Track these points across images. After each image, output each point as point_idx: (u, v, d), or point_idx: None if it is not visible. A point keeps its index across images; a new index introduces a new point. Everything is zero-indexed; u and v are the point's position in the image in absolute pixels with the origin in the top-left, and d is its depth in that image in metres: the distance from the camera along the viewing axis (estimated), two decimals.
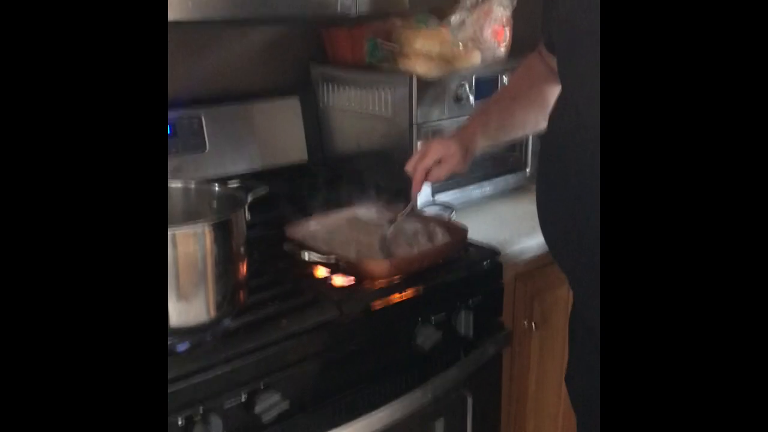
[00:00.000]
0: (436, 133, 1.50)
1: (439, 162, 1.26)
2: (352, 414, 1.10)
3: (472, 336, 1.25)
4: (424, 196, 1.53)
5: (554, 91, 1.28)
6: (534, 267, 1.48)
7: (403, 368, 1.18)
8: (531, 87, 1.32)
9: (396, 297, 1.18)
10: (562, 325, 1.49)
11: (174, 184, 1.17)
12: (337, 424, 1.08)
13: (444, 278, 1.24)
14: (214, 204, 1.14)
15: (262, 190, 1.15)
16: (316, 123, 1.66)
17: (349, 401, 1.11)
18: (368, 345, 1.13)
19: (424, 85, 1.48)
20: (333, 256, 1.20)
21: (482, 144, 1.30)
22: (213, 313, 1.01)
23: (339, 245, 1.28)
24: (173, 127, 1.44)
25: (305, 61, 1.69)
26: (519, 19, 1.62)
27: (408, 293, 1.19)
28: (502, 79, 1.58)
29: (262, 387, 0.99)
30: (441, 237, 1.32)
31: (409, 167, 1.28)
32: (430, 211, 1.48)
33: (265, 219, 1.39)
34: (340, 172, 1.61)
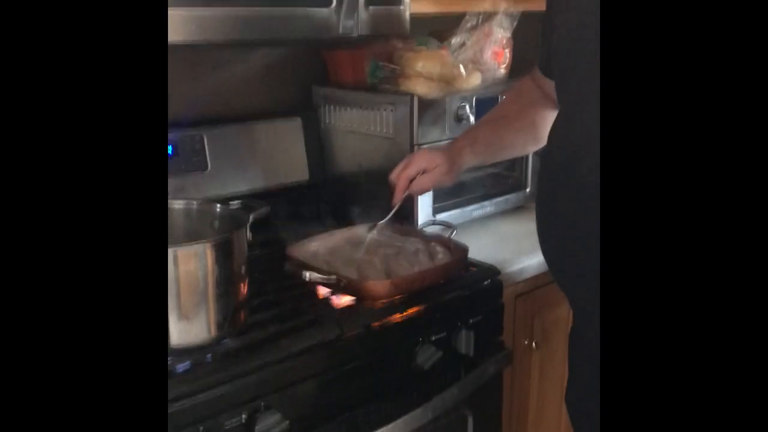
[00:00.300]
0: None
1: (423, 172, 1.27)
2: None
3: (472, 355, 1.25)
4: (424, 215, 1.54)
5: (544, 116, 1.30)
6: (534, 286, 1.49)
7: (404, 388, 1.18)
8: (521, 111, 1.33)
9: (396, 316, 1.18)
10: (563, 345, 1.49)
11: (176, 204, 1.18)
12: None
13: (444, 297, 1.25)
14: (216, 224, 1.15)
15: (263, 210, 1.15)
16: (317, 143, 1.67)
17: (350, 421, 1.11)
18: (369, 364, 1.13)
19: (425, 105, 1.49)
20: (334, 276, 1.20)
21: (469, 160, 1.31)
22: (214, 332, 1.02)
23: (340, 265, 1.29)
24: (175, 146, 1.45)
25: (307, 81, 1.71)
26: (519, 41, 1.64)
27: (408, 313, 1.19)
28: (502, 99, 1.60)
29: (262, 407, 0.99)
30: (442, 256, 1.32)
31: (392, 176, 1.30)
32: (431, 230, 1.48)
33: (266, 238, 1.40)
34: (342, 192, 1.62)
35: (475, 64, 1.55)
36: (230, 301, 1.03)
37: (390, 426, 1.13)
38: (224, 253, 1.01)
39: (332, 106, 1.66)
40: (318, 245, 1.37)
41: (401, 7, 1.33)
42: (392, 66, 1.53)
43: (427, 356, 1.18)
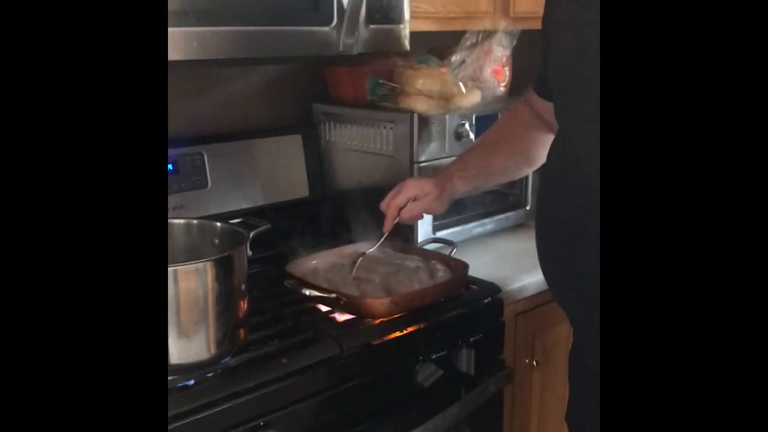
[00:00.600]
0: (437, 170, 1.51)
1: (414, 200, 1.27)
2: None
3: (473, 374, 1.25)
4: (424, 232, 1.54)
5: (536, 139, 1.31)
6: (535, 304, 1.48)
7: (404, 406, 1.18)
8: (513, 134, 1.33)
9: (397, 334, 1.17)
10: (563, 363, 1.48)
11: (176, 221, 1.18)
12: None
13: (445, 315, 1.24)
14: (216, 241, 1.15)
15: (264, 228, 1.15)
16: (318, 160, 1.67)
17: None
18: (369, 383, 1.12)
19: (425, 123, 1.49)
20: (334, 294, 1.20)
21: (461, 187, 1.31)
22: (213, 350, 1.01)
23: (340, 282, 1.28)
24: (176, 164, 1.45)
25: (307, 99, 1.71)
26: (518, 59, 1.65)
27: (409, 330, 1.19)
28: (495, 124, 1.60)
29: (262, 425, 0.99)
30: (442, 274, 1.32)
31: (383, 205, 1.30)
32: (431, 247, 1.48)
33: (266, 255, 1.40)
34: (342, 209, 1.62)
35: (475, 81, 1.56)
36: (230, 318, 1.03)
37: None
38: (225, 270, 1.01)
39: (332, 124, 1.66)
40: (318, 262, 1.37)
41: (401, 26, 1.33)
42: (392, 84, 1.53)
43: (427, 374, 1.18)
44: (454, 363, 1.24)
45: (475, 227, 1.66)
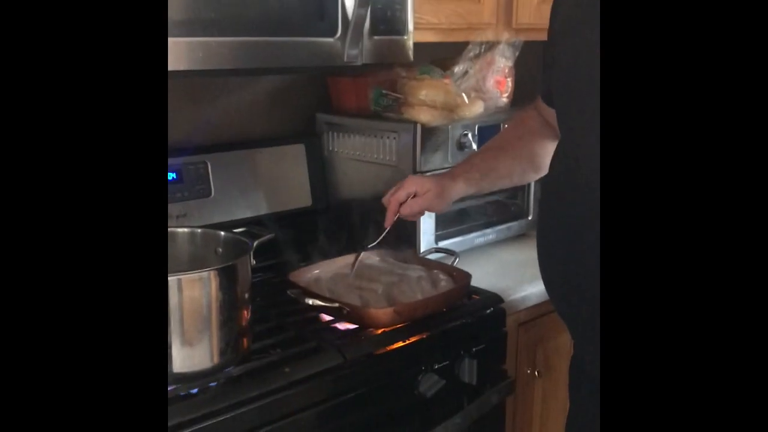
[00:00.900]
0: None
1: (414, 196, 1.28)
2: None
3: (475, 384, 1.25)
4: (426, 242, 1.54)
5: (544, 145, 1.31)
6: (537, 314, 1.48)
7: (406, 416, 1.18)
8: (520, 139, 1.34)
9: (399, 344, 1.17)
10: (565, 374, 1.48)
11: (180, 230, 1.18)
12: None
13: (447, 325, 1.24)
14: (220, 250, 1.15)
15: (267, 237, 1.16)
16: (321, 170, 1.67)
17: None
18: (371, 392, 1.12)
19: (428, 133, 1.50)
20: (336, 304, 1.20)
21: (463, 188, 1.31)
22: (217, 359, 1.02)
23: (342, 291, 1.29)
24: (179, 172, 1.46)
25: (311, 108, 1.72)
26: (521, 70, 1.66)
27: (411, 340, 1.19)
28: (504, 128, 1.61)
29: None
30: (444, 283, 1.33)
31: (384, 200, 1.31)
32: (433, 257, 1.48)
33: (269, 264, 1.40)
34: (345, 219, 1.62)
35: (478, 92, 1.57)
36: (233, 327, 1.03)
37: None
38: (228, 279, 1.01)
39: (335, 133, 1.67)
40: (320, 272, 1.38)
41: (405, 37, 1.34)
42: (395, 94, 1.54)
43: (429, 384, 1.18)
44: (456, 373, 1.24)
45: (477, 237, 1.67)
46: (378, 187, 1.58)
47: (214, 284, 0.99)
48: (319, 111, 1.71)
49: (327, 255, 1.43)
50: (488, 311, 1.33)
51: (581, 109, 1.00)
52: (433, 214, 1.53)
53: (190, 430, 0.93)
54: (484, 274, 1.48)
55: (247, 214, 1.54)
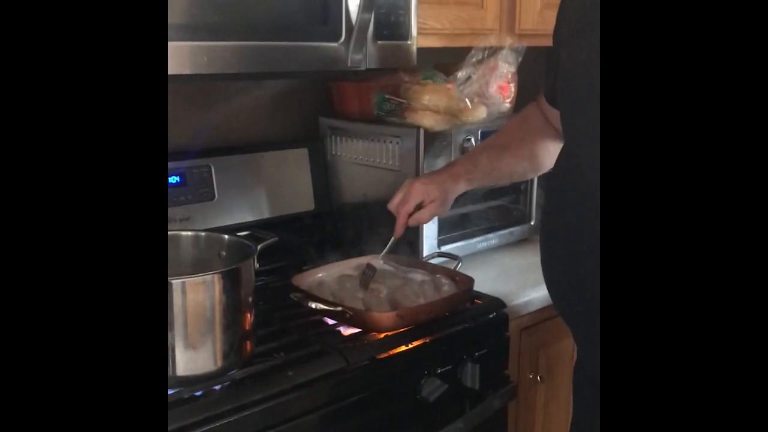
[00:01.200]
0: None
1: (420, 205, 1.29)
2: None
3: (478, 388, 1.25)
4: (429, 246, 1.54)
5: (546, 145, 1.32)
6: (539, 319, 1.48)
7: (409, 420, 1.18)
8: (523, 138, 1.34)
9: (402, 348, 1.18)
10: (568, 378, 1.48)
11: (184, 233, 1.19)
12: None
13: (450, 330, 1.24)
14: (224, 253, 1.15)
15: (271, 240, 1.16)
16: (324, 174, 1.68)
17: None
18: (374, 396, 1.12)
19: (431, 138, 1.50)
20: (339, 308, 1.20)
21: (464, 188, 1.33)
22: (220, 362, 1.02)
23: (345, 295, 1.29)
24: (183, 176, 1.46)
25: (314, 112, 1.72)
26: (524, 75, 1.66)
27: (414, 344, 1.19)
28: (507, 125, 1.61)
29: None
30: (447, 288, 1.33)
31: (391, 207, 1.32)
32: (436, 261, 1.48)
33: (272, 268, 1.41)
34: (347, 223, 1.62)
35: (481, 97, 1.57)
36: (237, 331, 1.03)
37: None
38: (232, 283, 1.01)
39: (338, 138, 1.67)
40: (323, 275, 1.38)
41: (408, 42, 1.35)
42: (399, 99, 1.54)
43: (432, 389, 1.18)
44: (458, 377, 1.24)
45: (479, 242, 1.67)
46: (381, 191, 1.58)
47: (217, 287, 0.99)
48: (323, 115, 1.71)
49: (330, 259, 1.43)
50: (491, 316, 1.33)
51: (584, 113, 1.00)
52: (436, 219, 1.53)
53: None
54: (487, 279, 1.48)
55: (251, 217, 1.54)
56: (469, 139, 1.56)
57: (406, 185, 1.31)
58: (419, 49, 1.37)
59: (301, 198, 1.64)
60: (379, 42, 1.30)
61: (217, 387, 1.01)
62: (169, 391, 0.98)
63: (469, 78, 1.55)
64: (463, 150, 1.56)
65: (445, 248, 1.56)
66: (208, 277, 0.99)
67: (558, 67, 1.13)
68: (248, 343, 1.07)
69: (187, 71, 1.10)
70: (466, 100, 1.54)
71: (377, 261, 1.43)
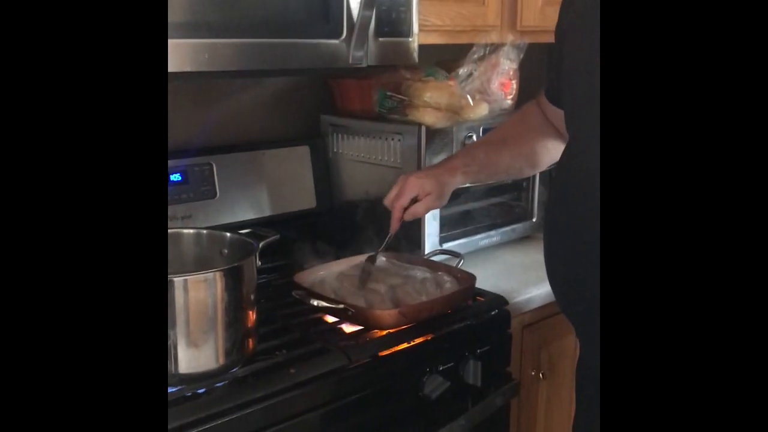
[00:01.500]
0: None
1: (415, 200, 1.29)
2: None
3: (480, 386, 1.25)
4: (431, 244, 1.54)
5: (544, 143, 1.32)
6: (541, 317, 1.48)
7: (411, 418, 1.18)
8: (521, 135, 1.34)
9: (404, 346, 1.17)
10: (570, 375, 1.48)
11: (186, 231, 1.19)
12: None
13: (452, 327, 1.24)
14: (226, 251, 1.15)
15: (273, 238, 1.16)
16: (325, 171, 1.68)
17: None
18: (376, 394, 1.12)
19: (433, 135, 1.50)
20: (341, 305, 1.20)
21: (461, 182, 1.33)
22: (222, 360, 1.02)
23: (347, 293, 1.29)
24: (185, 174, 1.46)
25: (315, 110, 1.72)
26: (525, 72, 1.66)
27: (416, 342, 1.19)
28: (506, 121, 1.61)
29: None
30: (449, 285, 1.32)
31: (387, 202, 1.31)
32: (438, 259, 1.48)
33: (274, 266, 1.40)
34: (349, 220, 1.62)
35: (482, 94, 1.57)
36: (239, 328, 1.03)
37: None
38: (234, 281, 1.01)
39: (340, 135, 1.67)
40: (325, 273, 1.38)
41: (410, 39, 1.34)
42: (400, 96, 1.54)
43: (434, 386, 1.18)
44: (461, 375, 1.24)
45: (481, 239, 1.67)
46: (382, 189, 1.57)
47: (219, 285, 0.99)
48: (324, 113, 1.71)
49: (332, 256, 1.43)
50: (493, 313, 1.33)
51: (587, 111, 1.00)
52: (438, 216, 1.53)
53: (195, 430, 0.93)
54: (489, 276, 1.48)
55: (252, 215, 1.54)
56: (471, 136, 1.55)
57: (400, 180, 1.30)
58: (420, 46, 1.37)
59: (303, 196, 1.64)
60: (381, 39, 1.29)
61: (219, 385, 1.01)
62: (172, 389, 0.98)
63: (470, 75, 1.55)
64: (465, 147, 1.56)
65: (447, 245, 1.56)
66: (209, 274, 0.99)
67: (560, 64, 1.13)
68: (250, 340, 1.07)
69: (188, 69, 1.10)
70: (468, 97, 1.54)
71: (378, 258, 1.44)
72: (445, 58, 1.66)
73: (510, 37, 1.57)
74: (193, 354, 0.99)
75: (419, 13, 1.35)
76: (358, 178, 1.65)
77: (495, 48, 1.56)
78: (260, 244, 1.10)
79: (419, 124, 1.50)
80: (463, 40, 1.55)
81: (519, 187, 1.76)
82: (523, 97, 1.66)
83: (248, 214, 1.53)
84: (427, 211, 1.31)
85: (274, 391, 1.01)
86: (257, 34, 1.16)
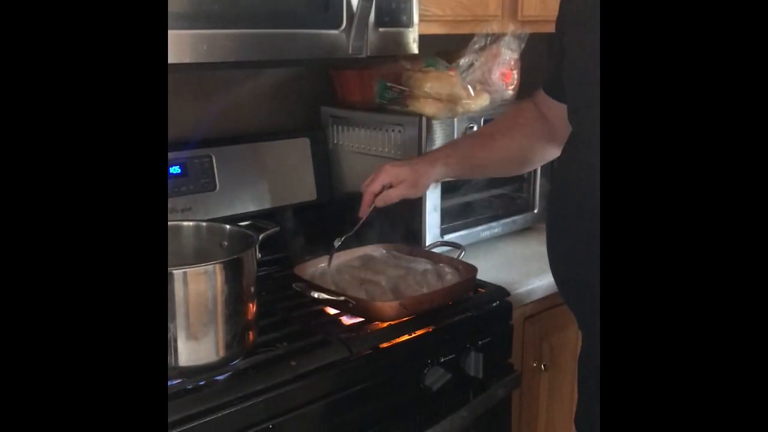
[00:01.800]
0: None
1: (390, 186, 1.29)
2: None
3: (481, 377, 1.24)
4: (432, 235, 1.54)
5: (532, 142, 1.32)
6: (543, 308, 1.48)
7: (412, 410, 1.17)
8: (509, 130, 1.35)
9: (405, 337, 1.17)
10: (571, 367, 1.48)
11: (185, 223, 1.18)
12: None
13: (453, 319, 1.24)
14: (225, 243, 1.15)
15: (273, 230, 1.15)
16: (325, 163, 1.67)
17: None
18: (377, 386, 1.12)
19: (434, 126, 1.49)
20: (342, 297, 1.20)
21: (442, 172, 1.33)
22: (222, 353, 1.01)
23: (347, 285, 1.28)
24: (184, 166, 1.45)
25: (315, 101, 1.71)
26: (527, 62, 1.65)
27: (417, 334, 1.18)
28: (498, 117, 1.60)
29: (270, 428, 0.99)
30: (450, 277, 1.32)
31: (362, 188, 1.32)
32: (439, 250, 1.48)
33: (274, 258, 1.40)
34: (350, 212, 1.61)
35: (483, 85, 1.56)
36: (239, 321, 1.02)
37: None
38: (234, 273, 1.01)
39: (340, 127, 1.66)
40: (325, 265, 1.37)
41: (410, 29, 1.33)
42: (400, 87, 1.53)
43: (435, 378, 1.18)
44: (462, 366, 1.23)
45: (483, 230, 1.66)
46: None
47: (219, 278, 0.99)
48: (324, 104, 1.70)
49: (332, 249, 1.43)
50: (494, 305, 1.32)
51: (590, 101, 0.99)
52: (439, 208, 1.53)
53: (196, 423, 0.92)
54: (490, 268, 1.47)
55: (252, 207, 1.53)
56: (472, 127, 1.55)
57: (377, 168, 1.31)
58: (421, 36, 1.36)
59: (303, 188, 1.63)
60: (381, 29, 1.29)
61: (220, 377, 1.00)
62: (172, 382, 0.98)
63: (471, 65, 1.54)
64: None
65: (448, 237, 1.55)
66: (209, 267, 0.99)
67: (561, 55, 1.12)
68: (250, 333, 1.06)
69: (187, 60, 1.09)
70: (469, 87, 1.52)
71: (379, 250, 1.43)
72: (446, 49, 1.65)
73: (511, 27, 1.56)
74: (193, 347, 0.99)
75: (419, 2, 1.34)
76: (358, 169, 1.64)
77: (496, 38, 1.55)
78: (260, 237, 1.10)
79: (420, 115, 1.49)
80: (463, 30, 1.54)
81: (520, 179, 1.76)
82: (524, 87, 1.65)
83: (248, 207, 1.53)
84: (400, 198, 1.31)
85: (275, 384, 1.00)
86: (256, 24, 1.16)
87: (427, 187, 1.33)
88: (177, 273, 0.95)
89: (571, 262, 1.07)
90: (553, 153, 1.37)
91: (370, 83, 1.58)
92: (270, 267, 1.41)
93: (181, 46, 1.07)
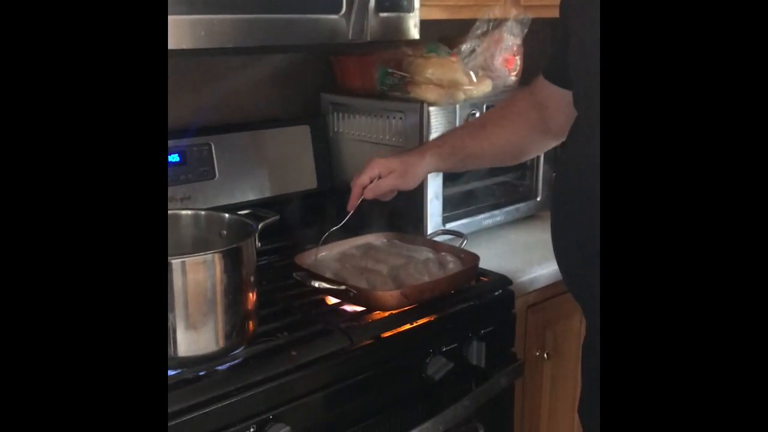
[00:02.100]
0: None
1: (379, 178, 1.28)
2: None
3: (483, 366, 1.23)
4: (434, 224, 1.52)
5: (525, 132, 1.31)
6: (546, 296, 1.47)
7: (414, 399, 1.17)
8: (502, 119, 1.34)
9: (407, 327, 1.16)
10: (575, 355, 1.47)
11: (184, 212, 1.17)
12: None
13: (455, 308, 1.23)
14: (224, 232, 1.14)
15: (272, 219, 1.14)
16: (326, 151, 1.66)
17: None
18: (378, 375, 1.11)
19: (435, 113, 1.48)
20: (343, 286, 1.19)
21: (433, 163, 1.32)
22: (222, 342, 1.00)
23: (348, 274, 1.27)
24: (183, 155, 1.44)
25: (315, 88, 1.70)
26: (529, 48, 1.63)
27: (419, 323, 1.17)
28: (493, 107, 1.58)
29: (271, 418, 0.98)
30: (452, 266, 1.31)
31: (352, 182, 1.31)
32: (441, 239, 1.47)
33: (274, 247, 1.39)
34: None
35: (486, 70, 1.54)
36: (239, 310, 1.01)
37: None
38: (233, 262, 1.00)
39: (341, 114, 1.65)
40: (326, 254, 1.36)
41: (411, 14, 1.32)
42: (401, 73, 1.52)
43: (437, 367, 1.17)
44: (464, 356, 1.22)
45: (485, 219, 1.65)
46: None
47: (218, 267, 0.98)
48: (324, 91, 1.69)
49: (333, 237, 1.41)
50: (497, 293, 1.31)
51: (593, 89, 0.98)
52: (440, 196, 1.51)
53: (196, 413, 0.92)
54: (493, 256, 1.46)
55: (252, 196, 1.52)
56: (474, 114, 1.53)
57: (366, 161, 1.30)
58: (422, 22, 1.34)
59: (303, 176, 1.62)
60: (381, 14, 1.27)
61: (220, 367, 1.00)
62: (172, 372, 0.97)
63: (473, 51, 1.52)
64: None
65: (450, 225, 1.54)
66: (208, 256, 0.98)
67: (566, 40, 1.11)
68: (250, 323, 1.05)
69: (185, 46, 1.08)
70: (471, 73, 1.51)
71: (380, 239, 1.42)
72: (448, 34, 1.63)
73: (513, 12, 1.55)
74: (192, 337, 0.98)
75: None
76: (359, 157, 1.62)
77: (498, 23, 1.53)
78: (260, 225, 1.09)
79: (421, 102, 1.47)
80: (465, 15, 1.52)
81: (523, 166, 1.74)
82: (527, 73, 1.63)
83: (248, 195, 1.51)
84: (389, 188, 1.30)
85: (275, 374, 1.00)
86: (255, 9, 1.14)
87: (418, 178, 1.32)
88: (176, 262, 0.94)
89: (575, 253, 1.07)
90: (548, 143, 1.36)
91: (371, 69, 1.56)
92: (270, 256, 1.40)
93: (179, 31, 1.06)
